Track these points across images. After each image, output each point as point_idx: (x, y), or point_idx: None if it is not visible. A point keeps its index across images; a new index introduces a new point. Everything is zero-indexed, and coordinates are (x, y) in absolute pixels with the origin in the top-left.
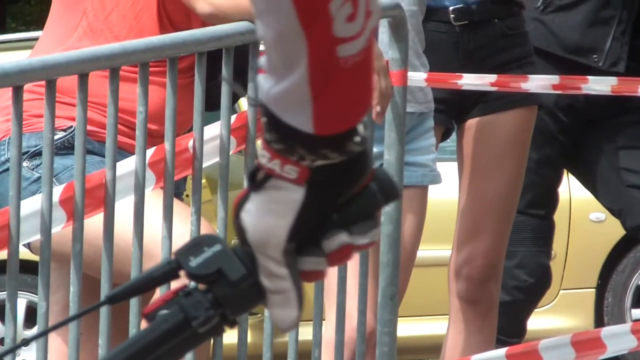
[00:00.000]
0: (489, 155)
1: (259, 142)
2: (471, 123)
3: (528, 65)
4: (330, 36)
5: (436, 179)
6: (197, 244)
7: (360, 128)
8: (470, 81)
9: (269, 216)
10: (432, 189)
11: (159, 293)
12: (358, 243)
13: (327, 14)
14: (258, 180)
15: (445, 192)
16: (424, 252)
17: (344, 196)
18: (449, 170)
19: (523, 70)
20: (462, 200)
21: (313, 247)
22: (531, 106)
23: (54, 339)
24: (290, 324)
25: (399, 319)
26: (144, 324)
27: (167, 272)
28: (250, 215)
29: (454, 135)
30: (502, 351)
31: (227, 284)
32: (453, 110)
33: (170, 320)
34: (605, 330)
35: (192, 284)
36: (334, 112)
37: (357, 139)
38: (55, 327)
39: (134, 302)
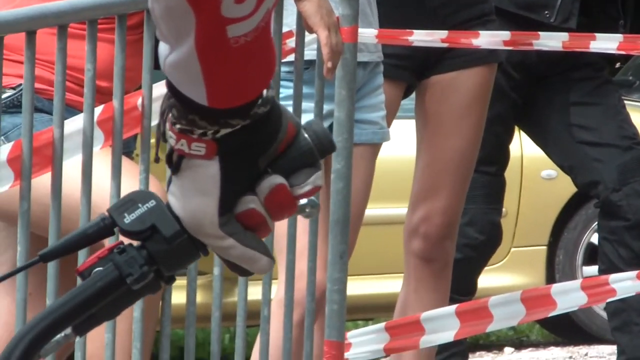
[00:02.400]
0: (450, 113)
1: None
2: (432, 81)
3: (490, 22)
4: (219, 16)
5: (385, 136)
6: (131, 200)
7: (264, 94)
8: (421, 37)
9: (194, 197)
10: (389, 146)
11: None
12: (299, 192)
13: None
14: (174, 163)
15: (402, 150)
16: (377, 211)
17: (268, 154)
18: (406, 128)
19: (486, 27)
20: (421, 159)
21: (246, 192)
22: (492, 64)
23: (2, 298)
24: (263, 271)
25: (350, 277)
26: (79, 281)
27: (100, 229)
28: (177, 198)
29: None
30: (452, 308)
31: (161, 240)
32: (416, 66)
33: (104, 277)
34: (555, 287)
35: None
36: (227, 88)
37: (260, 101)
38: None
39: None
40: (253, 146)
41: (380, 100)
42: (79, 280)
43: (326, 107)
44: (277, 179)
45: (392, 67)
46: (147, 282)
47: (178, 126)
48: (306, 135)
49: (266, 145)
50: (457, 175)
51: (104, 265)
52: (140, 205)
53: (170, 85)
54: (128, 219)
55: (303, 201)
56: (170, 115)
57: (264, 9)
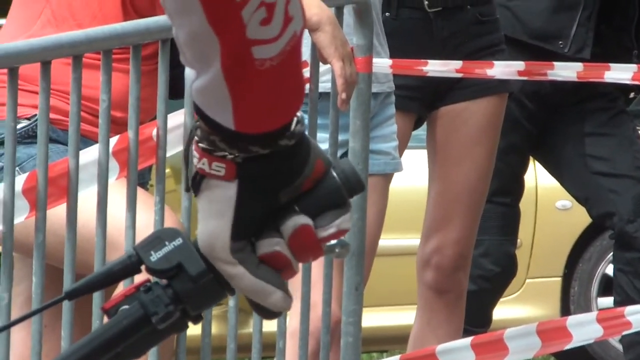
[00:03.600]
0: (460, 144)
1: None
2: (443, 111)
3: (499, 52)
4: (244, 38)
5: (398, 167)
6: (158, 237)
7: (293, 124)
8: (436, 68)
9: (210, 219)
10: (401, 177)
11: (122, 287)
12: (324, 234)
13: (239, 18)
14: (195, 183)
15: (415, 180)
16: (391, 241)
17: (290, 188)
18: (419, 159)
19: (495, 58)
20: (433, 189)
21: (270, 230)
22: (502, 94)
23: (17, 331)
24: (277, 306)
25: (364, 309)
26: (106, 319)
27: (127, 267)
28: (199, 221)
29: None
30: (467, 340)
31: (186, 279)
32: (426, 98)
33: (129, 316)
34: (571, 319)
35: (155, 279)
36: (254, 113)
37: (287, 134)
38: (16, 322)
39: (96, 295)
40: (274, 177)
41: (393, 130)
42: (94, 312)
43: (341, 137)
44: (302, 219)
45: (402, 98)
46: (173, 321)
47: (201, 145)
48: (334, 174)
49: (288, 179)
50: (469, 206)
51: (130, 304)
52: (167, 242)
53: (197, 108)
54: (154, 257)
55: (333, 241)
56: (195, 135)
57: (290, 32)
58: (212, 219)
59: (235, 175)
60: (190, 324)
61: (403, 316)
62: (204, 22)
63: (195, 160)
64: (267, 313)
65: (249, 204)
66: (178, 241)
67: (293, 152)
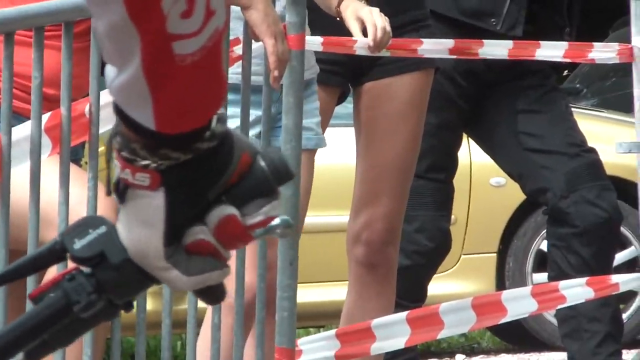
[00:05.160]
0: (387, 119)
1: None
2: (368, 86)
3: (424, 28)
4: (164, 32)
5: (320, 142)
6: (84, 224)
7: (214, 125)
8: (365, 45)
9: (139, 227)
10: (332, 155)
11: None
12: (251, 222)
13: (159, 9)
14: (119, 192)
15: (343, 157)
16: (322, 219)
17: (217, 186)
18: (346, 136)
19: (419, 33)
20: (361, 165)
21: (195, 221)
22: (428, 69)
23: None
24: (219, 281)
25: (300, 284)
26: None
27: (52, 253)
28: (123, 227)
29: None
30: (402, 315)
31: (108, 267)
32: (348, 72)
33: (51, 304)
34: (506, 294)
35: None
36: (175, 110)
37: (207, 135)
38: None
39: (30, 279)
40: (199, 180)
41: (315, 106)
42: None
43: (273, 111)
44: (226, 210)
45: (325, 72)
46: (100, 309)
47: (123, 154)
48: (262, 163)
49: (214, 179)
50: (397, 181)
51: (54, 292)
52: (91, 230)
53: (117, 109)
54: (78, 244)
55: (275, 221)
56: (114, 142)
57: (211, 26)
58: (141, 227)
59: (160, 184)
60: (118, 311)
61: (340, 292)
62: (123, 13)
63: (117, 170)
64: (211, 299)
65: (178, 210)
66: (102, 229)
67: (214, 153)
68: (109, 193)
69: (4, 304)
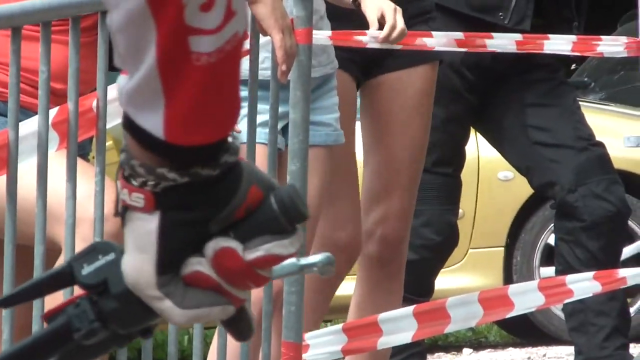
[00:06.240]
0: (402, 111)
1: None
2: (382, 79)
3: (432, 20)
4: (181, 22)
5: (339, 138)
6: (94, 249)
7: (222, 155)
8: (376, 37)
9: (134, 252)
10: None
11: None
12: (250, 257)
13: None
14: (121, 214)
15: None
16: None
17: (219, 218)
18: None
19: (428, 25)
20: (371, 160)
21: (194, 253)
22: (434, 62)
23: None
24: (220, 319)
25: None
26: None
27: (60, 278)
28: (125, 252)
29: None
30: (409, 309)
31: (110, 296)
32: (364, 62)
33: (54, 329)
34: (513, 288)
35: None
36: (186, 117)
37: (211, 164)
38: None
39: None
40: (198, 207)
41: (334, 102)
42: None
43: (281, 109)
44: (223, 242)
45: (343, 59)
46: (104, 337)
47: (124, 172)
48: (272, 200)
49: (216, 209)
50: (410, 176)
51: (61, 316)
52: (100, 257)
53: (126, 121)
54: (86, 270)
55: (314, 259)
56: (120, 160)
57: (231, 28)
58: (135, 253)
59: (155, 207)
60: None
61: (347, 286)
62: (142, 0)
63: (118, 189)
64: (236, 333)
65: (174, 237)
66: (111, 256)
67: (217, 181)
68: (116, 214)
69: (10, 327)
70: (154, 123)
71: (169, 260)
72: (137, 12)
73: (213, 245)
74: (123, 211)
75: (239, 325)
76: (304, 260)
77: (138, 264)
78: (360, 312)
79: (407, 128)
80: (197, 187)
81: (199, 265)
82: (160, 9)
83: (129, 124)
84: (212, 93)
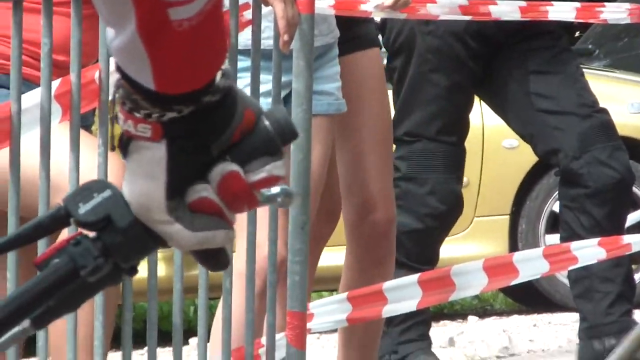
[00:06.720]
0: (356, 93)
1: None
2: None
3: None
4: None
5: (341, 106)
6: (88, 189)
7: (217, 79)
8: (379, 3)
9: (141, 180)
10: None
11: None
12: (253, 179)
13: None
14: (122, 144)
15: None
16: None
17: (220, 141)
18: None
19: None
20: (344, 147)
21: (199, 180)
22: (377, 47)
23: None
24: (223, 244)
25: None
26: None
27: (56, 220)
28: (126, 183)
29: None
30: (414, 277)
31: (115, 231)
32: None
33: (58, 269)
34: (518, 255)
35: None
36: (174, 74)
37: (211, 90)
38: None
39: (41, 242)
40: (202, 132)
41: (336, 71)
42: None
43: (284, 79)
44: (229, 166)
45: None
46: (106, 273)
47: (125, 106)
48: (267, 122)
49: (217, 133)
50: (384, 152)
51: (60, 257)
52: (95, 195)
53: (118, 67)
54: (83, 209)
55: (275, 190)
56: (117, 94)
57: None
58: (143, 180)
59: (163, 136)
60: (125, 275)
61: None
62: None
63: (120, 122)
64: (214, 265)
65: (180, 162)
66: (107, 193)
67: (218, 106)
68: (112, 148)
69: (15, 272)
70: (143, 79)
71: (177, 185)
72: None
73: (220, 170)
74: (126, 143)
75: (219, 254)
76: (267, 192)
77: (147, 191)
78: (354, 277)
79: (372, 100)
80: (199, 114)
81: (204, 191)
82: None
83: (121, 71)
84: (198, 49)
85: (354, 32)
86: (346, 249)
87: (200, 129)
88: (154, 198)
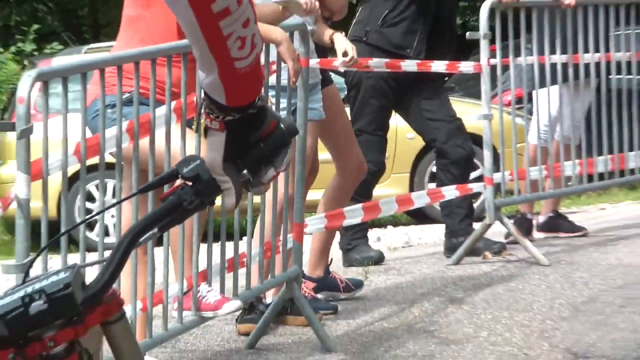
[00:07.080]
0: (337, 105)
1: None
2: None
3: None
4: (229, 57)
5: (323, 115)
6: (187, 159)
7: (256, 101)
8: (342, 62)
9: (211, 151)
10: None
11: None
12: (282, 168)
13: (226, 46)
14: (205, 131)
15: None
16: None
17: (255, 134)
18: None
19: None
20: (327, 135)
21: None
22: (333, 84)
23: (126, 204)
24: (231, 206)
25: (311, 190)
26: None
27: (171, 176)
28: (206, 152)
29: None
30: (359, 205)
31: (201, 182)
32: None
33: (172, 201)
34: (414, 194)
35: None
36: (236, 95)
37: (253, 106)
38: (122, 201)
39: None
40: (245, 128)
41: (319, 96)
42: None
43: (293, 101)
44: (271, 172)
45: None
46: (196, 204)
47: (207, 111)
48: (282, 125)
49: (254, 130)
50: (350, 138)
51: (173, 195)
52: (192, 162)
53: (205, 93)
54: (185, 170)
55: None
56: (203, 104)
57: (255, 52)
58: (213, 151)
59: (224, 128)
60: (207, 205)
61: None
62: (207, 49)
63: (204, 120)
64: (237, 202)
65: (232, 142)
66: (197, 161)
67: (255, 114)
68: (197, 131)
69: (135, 208)
70: (219, 97)
71: (228, 155)
72: (204, 53)
73: (270, 174)
74: (205, 131)
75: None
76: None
77: (214, 156)
78: (329, 205)
79: (342, 113)
80: (245, 118)
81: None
82: (216, 53)
83: (207, 95)
84: (248, 83)
85: (323, 76)
86: (332, 183)
87: (244, 126)
88: (216, 160)
